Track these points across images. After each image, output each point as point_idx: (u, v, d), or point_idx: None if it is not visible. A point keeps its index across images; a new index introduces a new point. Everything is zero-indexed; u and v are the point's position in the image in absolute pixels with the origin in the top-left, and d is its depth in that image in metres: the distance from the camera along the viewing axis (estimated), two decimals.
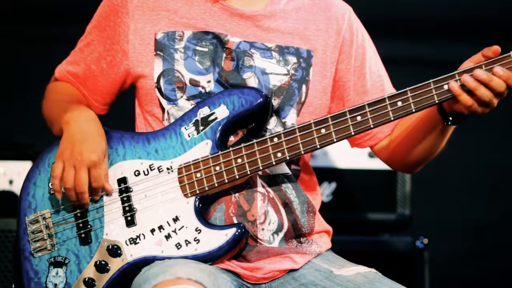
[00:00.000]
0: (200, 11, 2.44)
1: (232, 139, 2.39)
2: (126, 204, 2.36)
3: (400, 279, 2.39)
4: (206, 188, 2.33)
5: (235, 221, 2.36)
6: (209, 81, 2.41)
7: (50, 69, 2.60)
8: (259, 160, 2.32)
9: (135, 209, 2.35)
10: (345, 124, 2.29)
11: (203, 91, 2.41)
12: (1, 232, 3.40)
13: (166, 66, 2.42)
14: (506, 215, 4.83)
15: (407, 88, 2.27)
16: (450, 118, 2.33)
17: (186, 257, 2.30)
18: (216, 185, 2.33)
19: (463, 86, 2.22)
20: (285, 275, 2.41)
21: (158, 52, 2.42)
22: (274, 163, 2.32)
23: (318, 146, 2.30)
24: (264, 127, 2.40)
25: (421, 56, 4.74)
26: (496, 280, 4.83)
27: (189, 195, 2.33)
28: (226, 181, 2.33)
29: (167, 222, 2.33)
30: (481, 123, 4.17)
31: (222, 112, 2.35)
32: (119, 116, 2.92)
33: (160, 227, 2.33)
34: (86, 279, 2.33)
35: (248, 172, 2.32)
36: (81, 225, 2.37)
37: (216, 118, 2.35)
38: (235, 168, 2.32)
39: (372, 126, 2.28)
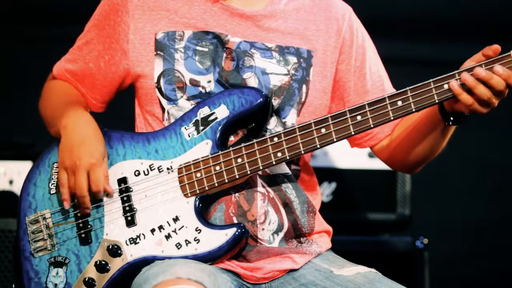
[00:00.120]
0: (201, 11, 2.44)
1: (232, 139, 2.39)
2: (126, 204, 2.36)
3: (400, 279, 2.39)
4: (206, 188, 2.33)
5: (235, 221, 2.36)
6: (209, 81, 2.41)
7: (50, 69, 2.60)
8: (259, 160, 2.32)
9: (135, 209, 2.35)
10: (345, 124, 2.29)
11: (203, 91, 2.41)
12: (1, 232, 3.40)
13: (166, 66, 2.42)
14: (506, 215, 4.83)
15: (407, 88, 2.27)
16: (451, 118, 2.33)
17: (186, 257, 2.30)
18: (216, 185, 2.33)
19: (463, 85, 2.22)
20: (285, 275, 2.41)
21: (158, 52, 2.42)
22: (274, 163, 2.32)
23: (318, 146, 2.30)
24: (264, 127, 2.40)
25: (421, 56, 4.74)
26: (496, 280, 4.83)
27: (189, 195, 2.33)
28: (226, 181, 2.33)
29: (167, 222, 2.33)
30: (481, 123, 4.17)
31: (222, 112, 2.35)
32: (119, 116, 2.92)
33: (160, 227, 2.33)
34: (86, 279, 2.33)
35: (248, 172, 2.32)
36: (81, 225, 2.37)
37: (216, 118, 2.35)
38: (235, 168, 2.32)
39: (372, 125, 2.28)
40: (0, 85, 4.37)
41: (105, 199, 2.36)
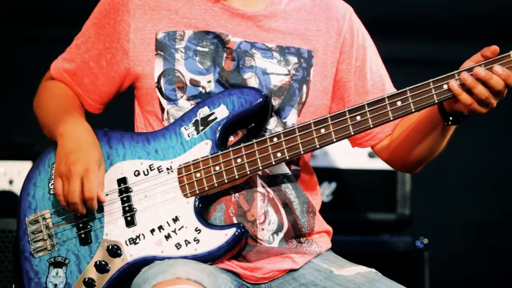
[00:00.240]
0: (201, 11, 2.44)
1: (232, 139, 2.39)
2: (126, 204, 2.36)
3: (400, 279, 2.39)
4: (206, 188, 2.33)
5: (235, 221, 2.36)
6: (209, 81, 2.41)
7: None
8: (258, 160, 2.32)
9: (135, 209, 2.35)
10: (344, 124, 2.29)
11: (203, 91, 2.41)
12: (1, 232, 3.40)
13: (166, 66, 2.42)
14: (506, 215, 4.83)
15: (407, 88, 2.27)
16: (451, 118, 2.33)
17: (186, 257, 2.30)
18: (215, 185, 2.33)
19: (463, 85, 2.22)
20: (285, 275, 2.41)
21: (158, 52, 2.42)
22: (273, 163, 2.32)
23: (318, 146, 2.30)
24: (264, 127, 2.40)
25: (421, 56, 4.74)
26: (496, 280, 4.83)
27: (188, 195, 2.33)
28: (226, 181, 2.33)
29: (167, 222, 2.33)
30: (481, 123, 4.17)
31: (222, 112, 2.35)
32: (119, 116, 2.92)
33: (160, 227, 2.33)
34: (86, 279, 2.33)
35: (248, 172, 2.32)
36: (81, 225, 2.37)
37: (216, 118, 2.35)
38: (234, 168, 2.32)
39: (371, 126, 2.28)
40: (0, 85, 4.37)
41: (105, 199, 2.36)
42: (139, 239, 2.33)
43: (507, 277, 4.82)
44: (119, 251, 2.33)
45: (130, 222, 2.35)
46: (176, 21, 2.43)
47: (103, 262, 2.33)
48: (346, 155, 3.86)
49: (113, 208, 2.36)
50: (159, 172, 2.35)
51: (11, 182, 3.53)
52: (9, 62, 4.39)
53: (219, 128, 2.34)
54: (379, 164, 3.79)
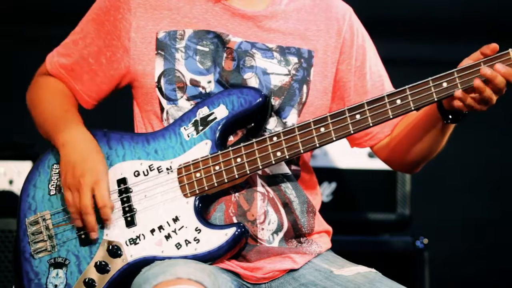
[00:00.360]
0: (202, 10, 2.44)
1: (231, 139, 2.39)
2: (126, 205, 2.36)
3: (400, 279, 2.39)
4: (206, 188, 2.33)
5: (235, 221, 2.36)
6: (209, 82, 2.41)
7: None
8: (258, 159, 2.32)
9: (135, 210, 2.35)
10: (344, 123, 2.29)
11: (203, 91, 2.40)
12: (1, 232, 3.40)
13: (167, 66, 2.42)
14: (506, 214, 4.83)
15: (406, 86, 2.27)
16: (450, 116, 2.33)
17: (186, 257, 2.30)
18: (215, 184, 2.33)
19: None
20: (285, 275, 2.41)
21: (159, 52, 2.42)
22: (273, 162, 2.32)
23: (318, 145, 2.30)
24: (263, 127, 2.40)
25: (421, 56, 4.74)
26: (496, 279, 4.83)
27: (188, 195, 2.33)
28: (226, 180, 2.33)
29: (167, 222, 2.33)
30: (480, 122, 4.17)
31: (221, 112, 2.35)
32: (118, 116, 2.92)
33: (160, 227, 2.33)
34: (87, 280, 2.33)
35: (248, 172, 2.32)
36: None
37: (215, 118, 2.35)
38: (234, 168, 2.32)
39: (371, 124, 2.28)
40: (0, 85, 4.36)
41: None
42: (139, 239, 2.33)
43: (507, 276, 4.82)
44: (119, 252, 2.33)
45: (130, 223, 2.35)
46: (177, 20, 2.43)
47: (103, 263, 2.33)
48: (346, 155, 3.87)
49: (113, 208, 2.36)
50: (159, 172, 2.35)
51: (11, 182, 3.54)
52: (9, 62, 4.38)
53: (218, 128, 2.34)
54: (379, 164, 3.79)
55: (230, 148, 2.33)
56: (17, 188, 3.49)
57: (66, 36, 2.54)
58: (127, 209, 2.35)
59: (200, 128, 2.36)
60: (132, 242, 2.33)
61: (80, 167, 2.31)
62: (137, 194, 2.36)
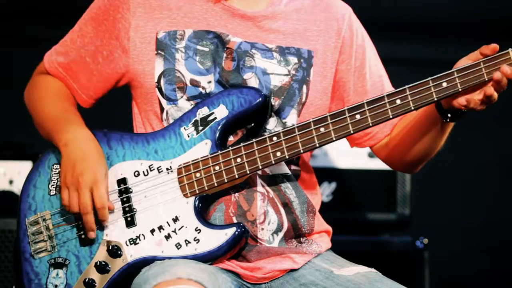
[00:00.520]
0: (202, 10, 2.44)
1: (231, 139, 2.39)
2: (126, 205, 2.36)
3: (400, 279, 2.39)
4: (206, 188, 2.33)
5: (235, 221, 2.36)
6: (209, 82, 2.41)
7: None
8: (258, 159, 2.32)
9: (135, 210, 2.35)
10: (344, 123, 2.29)
11: (203, 91, 2.40)
12: (1, 232, 3.40)
13: (167, 66, 2.42)
14: (506, 214, 4.83)
15: (406, 86, 2.27)
16: (449, 115, 2.33)
17: (186, 257, 2.30)
18: (215, 185, 2.33)
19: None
20: (285, 275, 2.41)
21: (159, 52, 2.42)
22: (273, 162, 2.32)
23: (317, 145, 2.30)
24: (263, 127, 2.40)
25: (421, 56, 4.74)
26: (496, 279, 4.83)
27: (188, 195, 2.33)
28: (226, 180, 2.33)
29: (167, 222, 2.33)
30: (480, 123, 4.17)
31: (221, 112, 2.35)
32: (118, 116, 2.92)
33: (160, 227, 2.33)
34: (87, 280, 2.33)
35: (248, 172, 2.32)
36: (81, 226, 2.37)
37: (215, 118, 2.35)
38: (234, 168, 2.32)
39: (371, 124, 2.28)
40: (0, 85, 4.36)
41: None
42: (139, 240, 2.33)
43: (507, 276, 4.82)
44: (119, 252, 2.33)
45: (130, 223, 2.35)
46: (177, 20, 2.43)
47: (103, 263, 2.33)
48: (346, 155, 3.87)
49: (113, 208, 2.36)
50: (159, 172, 2.35)
51: (11, 182, 3.54)
52: (9, 62, 4.38)
53: (218, 128, 2.35)
54: (379, 164, 3.79)
55: (230, 148, 2.33)
56: (17, 188, 3.49)
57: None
58: (127, 209, 2.36)
59: (200, 128, 2.36)
60: (132, 242, 2.33)
61: (80, 167, 2.31)
62: (137, 194, 2.36)
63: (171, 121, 2.41)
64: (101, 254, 2.34)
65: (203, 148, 2.34)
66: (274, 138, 2.31)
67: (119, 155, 2.39)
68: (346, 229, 3.78)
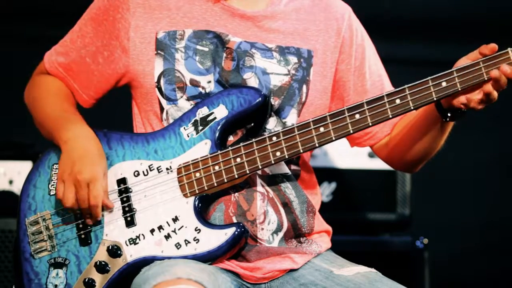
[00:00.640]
0: (202, 10, 2.44)
1: (231, 139, 2.39)
2: (125, 205, 2.36)
3: (400, 279, 2.39)
4: (205, 188, 2.33)
5: (235, 221, 2.36)
6: (209, 82, 2.41)
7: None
8: (258, 159, 2.32)
9: (134, 210, 2.35)
10: (343, 123, 2.29)
11: (203, 91, 2.40)
12: (1, 232, 3.40)
13: (166, 66, 2.42)
14: (506, 214, 4.83)
15: (405, 86, 2.27)
16: (449, 114, 2.33)
17: (185, 257, 2.30)
18: (215, 184, 2.33)
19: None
20: (285, 275, 2.41)
21: (159, 52, 2.42)
22: (273, 162, 2.32)
23: (317, 145, 2.30)
24: (263, 127, 2.40)
25: (421, 56, 4.74)
26: (496, 279, 4.83)
27: (188, 195, 2.33)
28: (225, 180, 2.33)
29: (167, 222, 2.33)
30: (480, 122, 4.17)
31: (221, 112, 2.35)
32: (117, 116, 2.92)
33: (160, 227, 2.33)
34: (86, 280, 2.33)
35: (247, 172, 2.32)
36: (81, 226, 2.37)
37: (215, 118, 2.35)
38: (234, 168, 2.32)
39: (370, 124, 2.28)
40: (0, 85, 4.36)
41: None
42: (139, 239, 2.33)
43: (507, 276, 4.82)
44: (119, 251, 2.33)
45: (130, 222, 2.35)
46: (177, 20, 2.43)
47: (103, 263, 2.33)
48: (346, 155, 3.87)
49: (113, 208, 2.36)
50: (159, 172, 2.35)
51: (11, 182, 3.54)
52: (9, 62, 4.38)
53: (218, 128, 2.34)
54: (379, 164, 3.79)
55: (230, 148, 2.33)
56: (17, 188, 3.49)
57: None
58: (126, 209, 2.36)
59: (200, 128, 2.36)
60: (132, 242, 2.33)
61: (79, 164, 2.31)
62: (137, 194, 2.36)
63: (171, 121, 2.41)
64: (101, 254, 2.34)
65: (202, 148, 2.34)
66: (274, 138, 2.31)
67: (119, 155, 2.39)
68: (346, 229, 3.78)
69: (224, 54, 2.42)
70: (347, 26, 2.52)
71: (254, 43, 2.43)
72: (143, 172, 2.36)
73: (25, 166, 3.52)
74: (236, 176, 2.32)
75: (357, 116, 2.28)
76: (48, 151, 2.44)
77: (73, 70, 2.50)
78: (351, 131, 2.29)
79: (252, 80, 2.41)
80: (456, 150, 3.84)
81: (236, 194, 2.38)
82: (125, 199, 2.36)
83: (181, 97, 2.41)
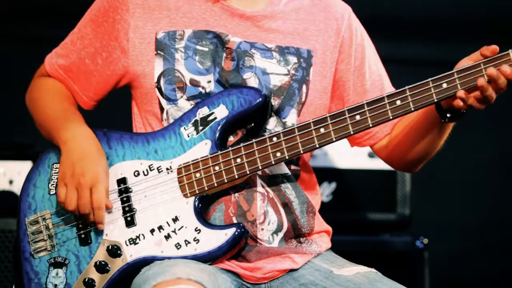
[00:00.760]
0: (201, 10, 2.44)
1: (231, 139, 2.39)
2: (125, 205, 2.36)
3: (400, 279, 2.39)
4: (206, 188, 2.33)
5: (235, 221, 2.36)
6: (209, 81, 2.41)
7: None
8: (258, 159, 2.32)
9: (134, 210, 2.35)
10: (344, 124, 2.29)
11: (203, 91, 2.40)
12: (1, 232, 3.40)
13: (166, 66, 2.42)
14: (506, 214, 4.83)
15: (406, 87, 2.27)
16: (448, 115, 2.33)
17: (185, 257, 2.30)
18: (215, 185, 2.33)
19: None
20: (285, 275, 2.41)
21: (158, 52, 2.42)
22: (273, 162, 2.32)
23: (317, 146, 2.30)
24: (263, 127, 2.40)
25: (421, 56, 4.74)
26: (496, 279, 4.83)
27: (188, 195, 2.33)
28: (226, 181, 2.33)
29: (167, 222, 2.33)
30: (480, 123, 4.17)
31: (221, 112, 2.35)
32: (117, 116, 2.92)
33: (160, 227, 2.33)
34: (86, 280, 2.33)
35: (247, 172, 2.32)
36: (80, 225, 2.37)
37: (215, 118, 2.35)
38: (234, 168, 2.32)
39: (371, 125, 2.28)
40: (0, 85, 4.36)
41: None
42: (139, 239, 2.33)
43: (507, 276, 4.82)
44: (119, 251, 2.33)
45: (130, 222, 2.35)
46: (176, 20, 2.43)
47: (103, 262, 2.33)
48: (346, 155, 3.86)
49: (113, 208, 2.36)
50: (159, 172, 2.35)
51: (11, 182, 3.54)
52: (9, 62, 4.38)
53: (218, 128, 2.34)
54: (379, 164, 3.79)
55: (230, 148, 2.33)
56: (17, 188, 3.49)
57: (66, 36, 2.55)
58: (127, 209, 2.36)
59: (200, 128, 2.36)
60: (131, 242, 2.33)
61: (80, 166, 2.31)
62: (137, 194, 2.36)
63: (171, 121, 2.41)
64: (100, 253, 2.34)
65: (203, 148, 2.34)
66: (274, 139, 2.31)
67: (119, 155, 2.39)
68: (346, 229, 3.78)
69: (224, 54, 2.42)
70: (347, 26, 2.52)
71: (253, 43, 2.43)
72: (143, 172, 2.36)
73: (25, 166, 3.52)
74: (236, 177, 2.32)
75: (358, 117, 2.28)
76: (48, 151, 2.44)
77: (73, 71, 2.50)
78: (352, 132, 2.29)
79: (252, 80, 2.41)
80: (456, 150, 3.84)
81: (236, 194, 2.38)
82: (125, 199, 2.36)
83: (181, 97, 2.41)
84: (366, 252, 3.76)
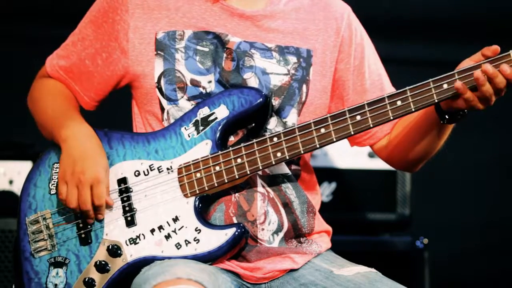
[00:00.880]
0: (201, 10, 2.44)
1: (232, 139, 2.39)
2: (126, 204, 2.36)
3: (400, 279, 2.39)
4: (206, 188, 2.33)
5: (235, 221, 2.36)
6: (210, 82, 2.41)
7: None
8: (258, 159, 2.32)
9: (135, 209, 2.35)
10: (344, 124, 2.29)
11: (203, 91, 2.41)
12: (1, 232, 3.40)
13: (167, 66, 2.42)
14: (506, 214, 4.83)
15: (407, 88, 2.27)
16: (446, 117, 2.33)
17: (186, 257, 2.30)
18: (215, 185, 2.33)
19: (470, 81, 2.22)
20: (285, 275, 2.41)
21: (158, 52, 2.42)
22: (273, 162, 2.32)
23: (318, 146, 2.31)
24: (264, 127, 2.40)
25: (421, 56, 4.74)
26: (496, 279, 4.83)
27: (189, 195, 2.33)
28: (226, 181, 2.33)
29: (167, 222, 2.33)
30: (480, 123, 4.17)
31: (222, 112, 2.35)
32: (118, 116, 2.92)
33: (160, 227, 2.33)
34: (86, 279, 2.33)
35: (248, 172, 2.32)
36: (81, 225, 2.37)
37: (216, 118, 2.35)
38: (234, 168, 2.32)
39: (371, 125, 2.28)
40: (0, 85, 4.36)
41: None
42: (139, 239, 2.33)
43: (507, 276, 4.82)
44: (119, 251, 2.33)
45: (130, 222, 2.35)
46: (176, 20, 2.43)
47: (103, 262, 2.33)
48: (346, 155, 3.87)
49: (113, 208, 2.36)
50: (159, 172, 2.35)
51: (11, 182, 3.54)
52: (9, 62, 4.38)
53: (219, 128, 2.35)
54: (379, 164, 3.79)
55: (231, 148, 2.33)
56: (17, 188, 3.49)
57: (66, 36, 2.55)
58: (127, 208, 2.36)
59: (201, 128, 2.36)
60: (132, 242, 2.33)
61: (81, 164, 2.31)
62: (137, 193, 2.36)
63: (172, 121, 2.41)
64: (101, 253, 2.34)
65: (203, 148, 2.35)
66: (275, 139, 2.31)
67: (120, 155, 2.39)
68: (346, 229, 3.78)
69: (224, 55, 2.42)
70: (346, 26, 2.52)
71: (253, 43, 2.43)
72: (143, 172, 2.36)
73: (25, 166, 3.52)
74: (237, 177, 2.32)
75: (358, 117, 2.28)
76: (49, 150, 2.44)
77: (73, 72, 2.50)
78: (352, 132, 2.29)
79: (252, 80, 2.41)
80: (456, 151, 3.84)
81: (237, 194, 2.38)
82: (125, 198, 2.36)
83: (182, 97, 2.41)
84: (366, 252, 3.76)
